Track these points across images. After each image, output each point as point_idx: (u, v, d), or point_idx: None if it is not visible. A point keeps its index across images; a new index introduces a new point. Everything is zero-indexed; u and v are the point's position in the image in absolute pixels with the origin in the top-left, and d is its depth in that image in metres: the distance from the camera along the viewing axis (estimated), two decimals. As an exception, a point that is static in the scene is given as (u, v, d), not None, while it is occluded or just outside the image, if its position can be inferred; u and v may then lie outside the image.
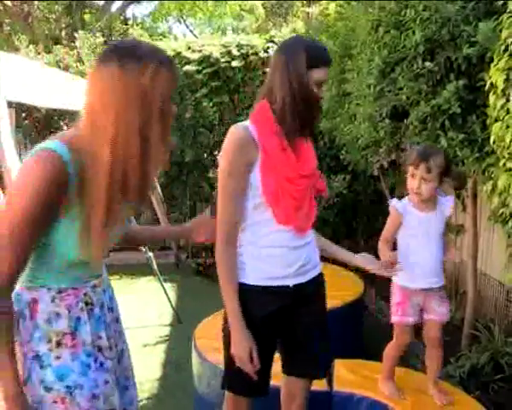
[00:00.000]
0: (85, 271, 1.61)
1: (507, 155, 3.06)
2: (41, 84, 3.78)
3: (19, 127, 7.06)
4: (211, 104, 7.90)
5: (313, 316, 2.24)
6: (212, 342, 3.26)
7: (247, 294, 2.11)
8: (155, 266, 5.16)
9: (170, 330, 5.08)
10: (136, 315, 5.02)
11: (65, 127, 7.63)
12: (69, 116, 7.34)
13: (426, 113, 3.80)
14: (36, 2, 8.96)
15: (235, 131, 2.07)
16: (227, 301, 2.07)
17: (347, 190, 7.05)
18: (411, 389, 2.87)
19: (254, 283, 2.11)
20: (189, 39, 11.21)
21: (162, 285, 5.30)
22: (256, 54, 8.12)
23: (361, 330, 4.59)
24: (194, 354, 3.35)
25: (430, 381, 2.87)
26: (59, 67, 7.05)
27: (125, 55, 1.42)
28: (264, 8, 15.32)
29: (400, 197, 2.96)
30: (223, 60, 8.11)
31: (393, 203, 2.80)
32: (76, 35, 7.71)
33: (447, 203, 2.77)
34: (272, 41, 8.27)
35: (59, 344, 1.53)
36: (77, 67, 7.30)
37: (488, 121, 3.37)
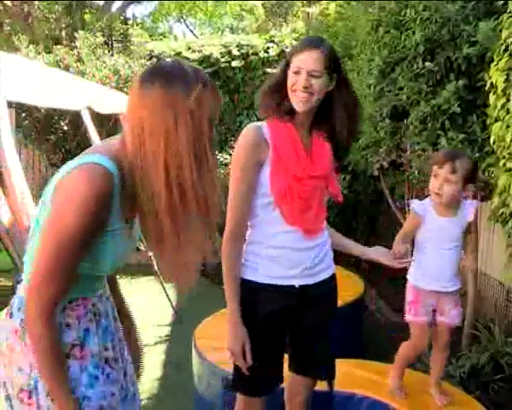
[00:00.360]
0: (100, 282, 1.60)
1: (507, 155, 3.06)
2: (41, 84, 3.78)
3: (19, 127, 7.06)
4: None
5: (317, 318, 2.24)
6: (212, 342, 3.26)
7: (254, 292, 2.13)
8: (156, 267, 5.16)
9: (170, 330, 5.08)
10: (137, 315, 5.00)
11: (65, 127, 7.63)
12: (69, 116, 7.35)
13: (426, 113, 3.80)
14: (36, 2, 8.95)
15: (246, 132, 2.09)
16: (227, 296, 2.10)
17: (347, 190, 7.04)
18: (412, 389, 2.87)
19: (261, 281, 2.12)
20: (189, 39, 11.23)
21: (162, 285, 5.30)
22: (256, 54, 8.13)
23: (361, 330, 4.59)
24: (194, 354, 3.34)
25: (432, 382, 2.86)
26: (59, 67, 7.05)
27: (171, 76, 1.40)
28: (264, 8, 15.31)
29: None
30: (223, 60, 8.12)
31: (413, 205, 2.73)
32: (76, 35, 7.71)
33: (470, 208, 2.67)
34: (272, 41, 8.28)
35: (68, 356, 1.50)
36: (77, 67, 7.30)
37: (488, 121, 3.37)
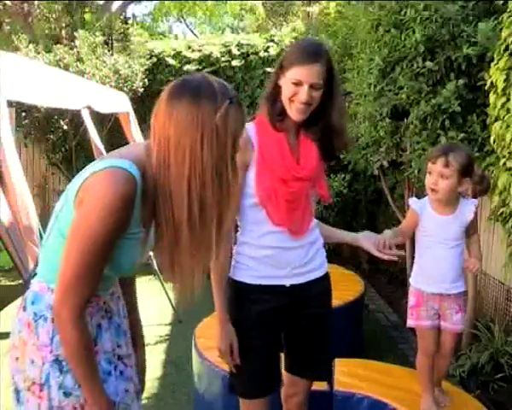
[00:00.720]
0: (112, 281, 1.61)
1: (507, 154, 3.06)
2: (41, 83, 3.78)
3: (19, 127, 7.06)
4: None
5: (312, 318, 2.23)
6: (212, 342, 3.24)
7: (245, 292, 2.14)
8: (156, 266, 5.16)
9: (170, 329, 5.08)
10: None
11: (65, 127, 7.62)
12: (69, 116, 7.34)
13: (426, 112, 3.81)
14: (36, 2, 8.94)
15: None
16: (215, 296, 2.12)
17: (347, 190, 7.05)
18: (411, 389, 2.86)
19: (250, 281, 2.13)
20: (189, 39, 11.23)
21: (162, 285, 5.30)
22: (256, 53, 8.12)
23: (361, 330, 4.59)
24: (194, 354, 3.34)
25: (435, 383, 2.77)
26: (59, 66, 7.04)
27: (199, 92, 1.43)
28: (265, 7, 15.31)
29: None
30: (223, 59, 8.11)
31: (411, 202, 2.67)
32: (76, 34, 7.70)
33: (469, 206, 2.57)
34: (272, 40, 8.27)
35: None
36: (77, 66, 7.29)
37: (488, 120, 3.37)
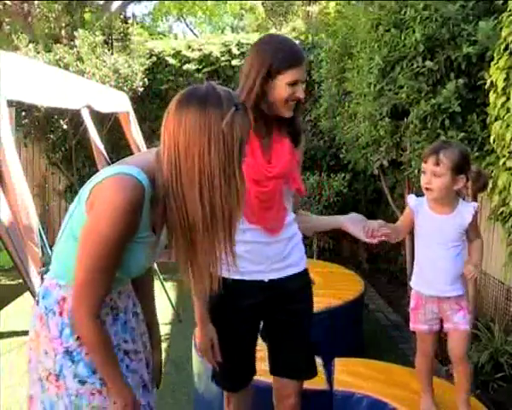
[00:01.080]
0: (119, 282, 1.65)
1: (507, 154, 3.06)
2: (41, 83, 3.77)
3: (19, 126, 7.06)
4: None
5: (292, 315, 2.24)
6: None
7: (223, 288, 2.14)
8: (156, 265, 5.17)
9: (170, 328, 5.08)
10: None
11: (65, 126, 7.62)
12: (69, 115, 7.34)
13: (426, 111, 3.81)
14: (36, 2, 8.94)
15: None
16: (195, 296, 2.15)
17: (347, 189, 7.05)
18: (411, 388, 2.86)
19: (230, 277, 2.11)
20: (189, 38, 11.23)
21: (162, 284, 5.30)
22: (256, 53, 8.11)
23: (361, 330, 4.59)
24: (194, 353, 3.34)
25: (458, 399, 2.57)
26: (59, 65, 7.03)
27: (206, 100, 1.49)
28: (264, 6, 15.30)
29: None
30: (223, 59, 8.12)
31: (408, 199, 2.63)
32: (76, 34, 7.69)
33: (469, 208, 2.49)
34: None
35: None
36: (77, 65, 7.29)
37: (488, 120, 3.37)
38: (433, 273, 2.53)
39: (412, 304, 2.63)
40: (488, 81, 3.27)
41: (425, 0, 3.83)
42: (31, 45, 7.54)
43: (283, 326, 2.26)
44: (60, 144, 7.96)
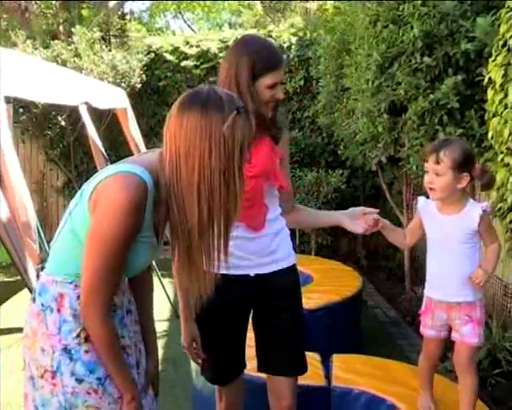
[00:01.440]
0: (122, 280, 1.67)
1: (505, 150, 3.06)
2: (39, 79, 3.77)
3: (16, 123, 7.04)
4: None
5: (281, 311, 2.23)
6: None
7: None
8: (153, 262, 5.17)
9: (168, 325, 5.08)
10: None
11: (63, 123, 7.61)
12: (67, 111, 7.33)
13: (424, 108, 3.81)
14: (33, -2, 8.92)
15: None
16: (179, 295, 2.18)
17: (345, 186, 7.05)
18: (409, 385, 2.86)
19: (216, 271, 2.14)
20: (187, 34, 11.20)
21: (160, 281, 5.30)
22: (254, 49, 8.10)
23: (360, 326, 4.59)
24: (192, 350, 3.34)
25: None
26: (56, 62, 7.02)
27: (208, 103, 1.50)
28: (262, 3, 15.28)
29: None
30: (221, 55, 8.10)
31: (418, 200, 2.56)
32: (73, 30, 7.68)
33: (476, 209, 2.37)
34: (270, 36, 8.25)
35: (86, 339, 1.58)
36: (74, 62, 7.27)
37: (486, 116, 3.37)
38: (440, 276, 2.45)
39: (423, 307, 2.57)
40: (486, 77, 3.27)
41: (423, -4, 3.83)
42: (28, 42, 7.52)
43: (270, 322, 2.25)
44: (58, 141, 7.95)
